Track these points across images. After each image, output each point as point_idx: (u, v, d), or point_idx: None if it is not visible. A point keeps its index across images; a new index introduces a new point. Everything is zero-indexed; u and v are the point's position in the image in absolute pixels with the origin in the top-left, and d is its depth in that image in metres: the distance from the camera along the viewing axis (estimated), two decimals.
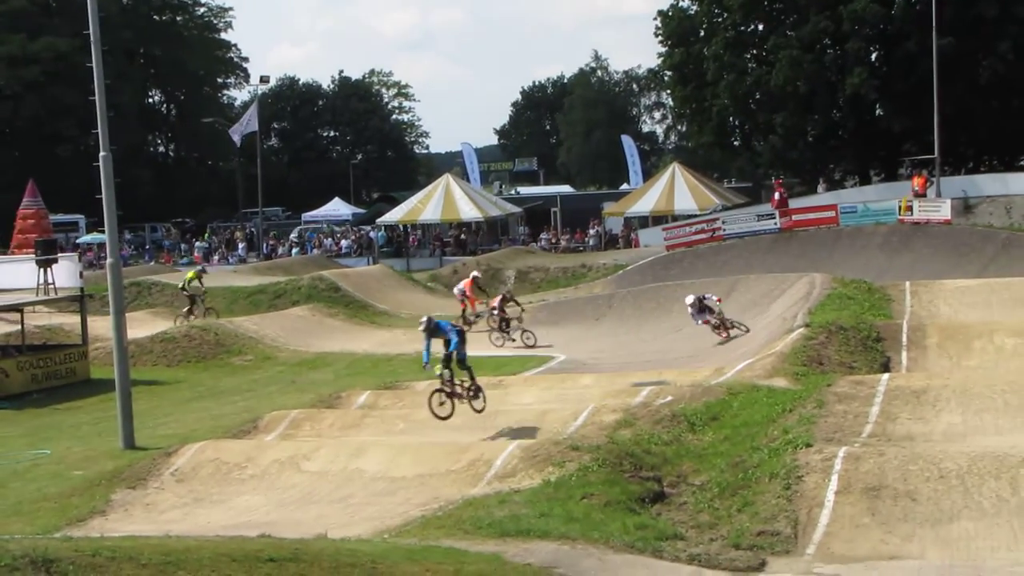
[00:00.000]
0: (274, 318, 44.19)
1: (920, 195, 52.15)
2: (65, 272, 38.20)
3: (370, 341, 41.16)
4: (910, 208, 50.20)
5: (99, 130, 26.85)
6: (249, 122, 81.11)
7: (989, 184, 57.58)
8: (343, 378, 33.72)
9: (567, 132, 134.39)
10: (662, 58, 78.00)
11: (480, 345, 37.57)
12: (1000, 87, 64.02)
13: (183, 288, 43.76)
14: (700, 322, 33.07)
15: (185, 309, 42.97)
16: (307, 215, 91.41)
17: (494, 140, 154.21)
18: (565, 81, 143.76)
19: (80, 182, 72.57)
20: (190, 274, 43.02)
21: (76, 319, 39.47)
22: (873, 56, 68.70)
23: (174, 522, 18.64)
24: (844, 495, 16.72)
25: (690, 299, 33.21)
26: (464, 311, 38.26)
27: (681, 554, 15.55)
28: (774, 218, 53.17)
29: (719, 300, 33.67)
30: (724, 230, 54.07)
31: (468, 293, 38.85)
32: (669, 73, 78.96)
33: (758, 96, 70.76)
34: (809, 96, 67.67)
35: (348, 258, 69.67)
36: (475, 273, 40.68)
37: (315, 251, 73.72)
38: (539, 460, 19.49)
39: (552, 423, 22.98)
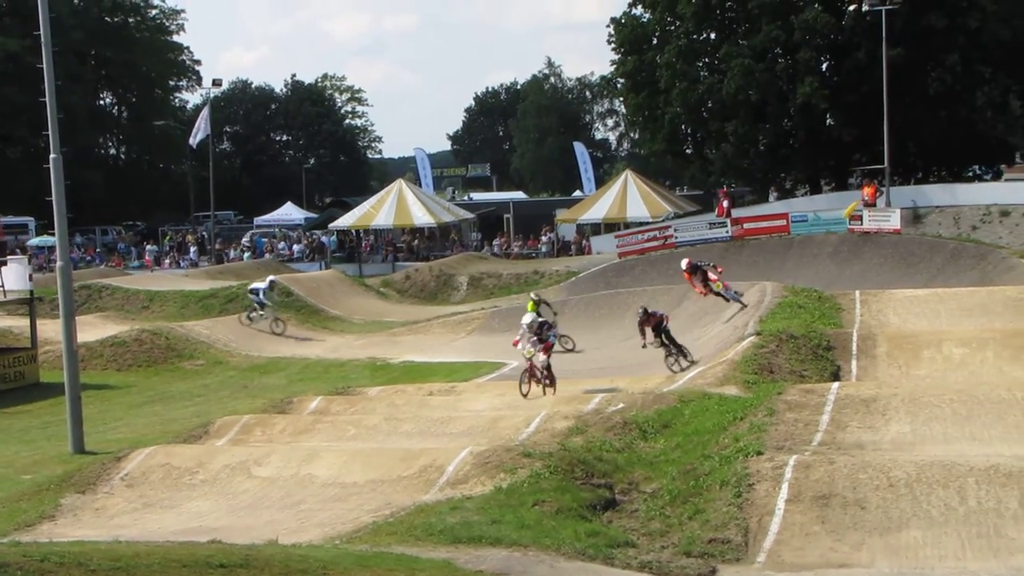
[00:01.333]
0: (226, 323, 44.05)
1: (870, 205, 52.58)
2: (14, 275, 37.94)
3: (322, 346, 41.11)
4: (859, 217, 50.62)
5: (49, 132, 26.72)
6: (203, 126, 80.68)
7: (938, 194, 58.17)
8: (295, 383, 33.69)
9: (520, 138, 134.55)
10: (615, 65, 78.15)
11: (434, 350, 37.60)
12: (948, 98, 64.57)
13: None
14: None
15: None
16: (259, 219, 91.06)
17: (447, 146, 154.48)
18: (518, 87, 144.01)
19: (30, 184, 71.93)
20: (530, 304, 38.37)
21: (25, 322, 39.17)
22: (824, 66, 69.17)
23: (124, 527, 18.52)
24: (794, 503, 16.82)
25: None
26: (714, 290, 34.10)
27: (632, 561, 15.59)
28: (725, 226, 53.48)
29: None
30: (676, 238, 54.32)
31: (693, 282, 34.77)
32: (622, 80, 79.09)
33: (710, 104, 70.98)
34: (761, 105, 67.99)
35: (300, 263, 69.54)
36: (684, 264, 35.13)
37: (267, 255, 73.44)
38: (491, 467, 19.48)
39: (504, 429, 22.98)
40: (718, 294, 34.01)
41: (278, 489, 20.46)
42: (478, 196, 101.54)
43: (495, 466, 19.47)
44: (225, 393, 33.65)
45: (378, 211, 71.53)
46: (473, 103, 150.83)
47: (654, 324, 30.20)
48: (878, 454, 18.80)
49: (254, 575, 12.82)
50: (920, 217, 54.21)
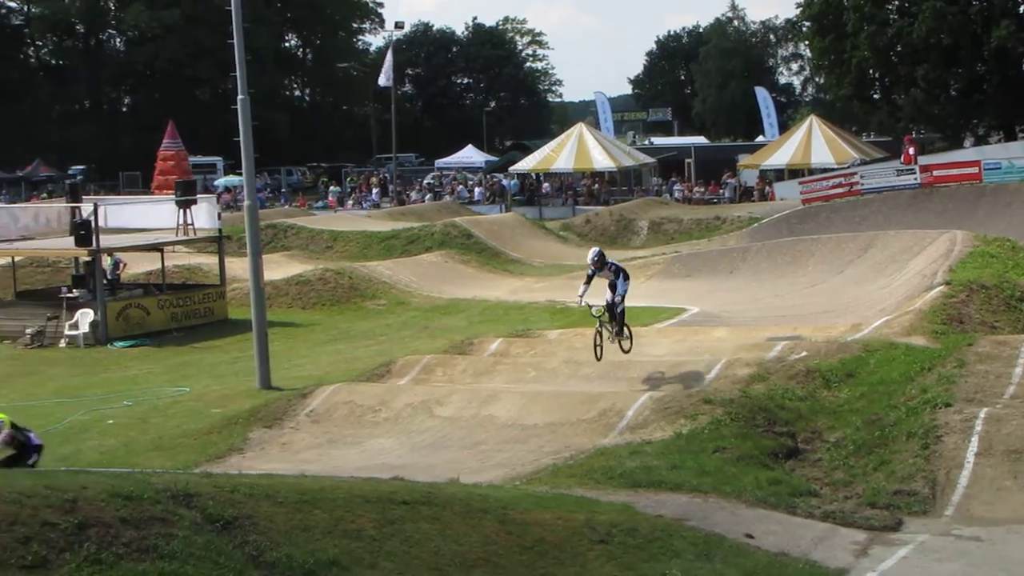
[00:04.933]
0: (407, 263, 44.49)
1: None
2: (204, 213, 38.83)
3: (502, 289, 41.24)
4: None
5: (237, 73, 27.16)
6: (388, 68, 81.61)
7: None
8: (475, 325, 33.82)
9: (702, 82, 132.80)
10: (800, 8, 76.79)
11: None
12: None
13: None
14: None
15: None
16: (440, 162, 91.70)
17: (628, 90, 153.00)
18: (701, 31, 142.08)
19: (218, 125, 73.66)
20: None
21: (214, 259, 40.11)
22: (1021, 8, 66.82)
23: (309, 462, 18.89)
24: (985, 457, 16.40)
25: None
26: None
27: (815, 511, 15.41)
28: (914, 173, 52.14)
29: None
30: (862, 185, 53.17)
31: None
32: (808, 24, 77.64)
33: (899, 48, 69.21)
34: (953, 48, 66.03)
35: (480, 205, 69.79)
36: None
37: (448, 198, 73.94)
38: (671, 412, 19.42)
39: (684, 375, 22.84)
40: None
41: (459, 429, 20.67)
42: (659, 140, 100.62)
43: (675, 412, 19.40)
44: (407, 333, 34.00)
45: (558, 155, 71.47)
46: (655, 46, 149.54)
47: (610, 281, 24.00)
48: None
49: (436, 512, 12.94)
50: None
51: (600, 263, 23.56)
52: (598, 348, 23.31)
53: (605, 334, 23.39)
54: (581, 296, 23.29)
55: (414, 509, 12.85)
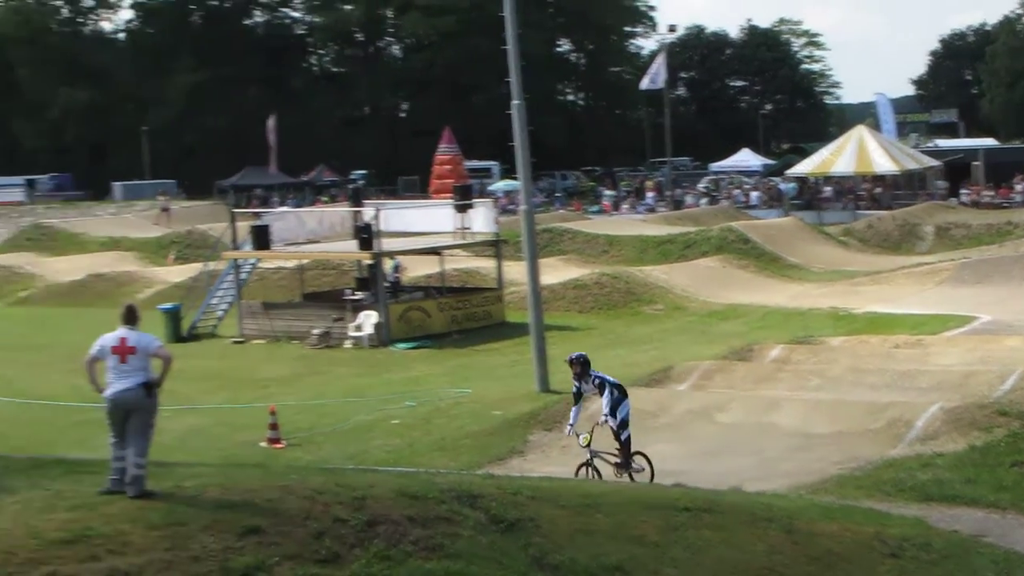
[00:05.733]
0: (683, 268, 44.19)
1: None
2: (481, 217, 39.37)
3: (781, 294, 40.56)
4: None
5: (512, 78, 27.35)
6: (658, 72, 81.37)
7: None
8: (754, 331, 33.30)
9: (989, 82, 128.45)
10: None
11: (899, 301, 36.44)
12: None
13: None
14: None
15: None
16: (715, 165, 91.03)
17: (910, 91, 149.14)
18: (988, 28, 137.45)
19: (493, 129, 74.74)
20: None
21: (490, 263, 40.57)
22: None
23: None
24: None
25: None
26: None
27: None
28: None
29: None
30: None
31: None
32: None
33: None
34: None
35: (758, 210, 68.83)
36: None
37: (724, 202, 73.18)
38: (964, 424, 18.80)
39: (977, 386, 22.01)
40: None
41: (740, 436, 20.43)
42: (944, 143, 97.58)
43: (968, 423, 18.79)
44: (684, 338, 33.70)
45: (837, 158, 69.96)
46: (939, 46, 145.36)
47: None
48: None
49: (719, 520, 12.76)
50: None
51: (582, 371, 18.33)
52: None
53: (604, 469, 17.86)
54: (571, 424, 18.25)
55: (697, 516, 12.70)
